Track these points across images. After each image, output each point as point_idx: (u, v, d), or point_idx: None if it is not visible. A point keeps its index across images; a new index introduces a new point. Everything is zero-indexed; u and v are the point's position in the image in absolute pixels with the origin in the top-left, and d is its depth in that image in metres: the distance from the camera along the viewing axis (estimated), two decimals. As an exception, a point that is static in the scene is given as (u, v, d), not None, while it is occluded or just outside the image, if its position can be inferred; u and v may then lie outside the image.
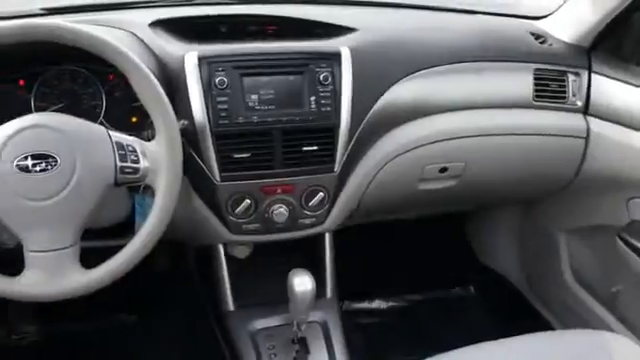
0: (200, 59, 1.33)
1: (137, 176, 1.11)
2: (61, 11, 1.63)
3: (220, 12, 1.52)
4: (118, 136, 1.13)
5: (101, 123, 1.36)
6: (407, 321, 2.15)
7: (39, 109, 1.37)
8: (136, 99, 1.35)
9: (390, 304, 2.21)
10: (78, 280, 1.10)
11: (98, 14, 1.59)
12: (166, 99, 1.13)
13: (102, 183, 1.10)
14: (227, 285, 1.53)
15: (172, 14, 1.48)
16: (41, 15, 1.59)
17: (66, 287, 1.09)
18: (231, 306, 1.53)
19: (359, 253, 1.70)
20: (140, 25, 1.42)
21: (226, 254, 1.54)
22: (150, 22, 1.43)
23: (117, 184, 1.12)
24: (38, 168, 1.05)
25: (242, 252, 1.53)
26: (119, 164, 1.10)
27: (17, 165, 1.05)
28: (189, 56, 1.33)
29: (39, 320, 1.98)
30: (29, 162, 1.05)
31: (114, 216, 1.31)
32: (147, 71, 1.12)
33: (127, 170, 1.10)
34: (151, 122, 1.36)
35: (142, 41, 1.39)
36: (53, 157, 1.06)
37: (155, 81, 1.12)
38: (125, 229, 1.35)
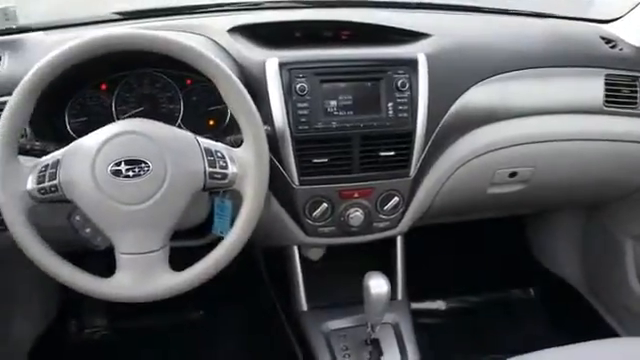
0: (281, 65, 1.35)
1: (225, 182, 1.15)
2: (136, 16, 1.68)
3: (296, 18, 1.55)
4: (206, 142, 1.16)
5: (179, 127, 1.40)
6: (467, 322, 2.15)
7: (119, 112, 1.42)
8: (213, 103, 1.44)
9: (451, 305, 2.22)
10: (168, 282, 1.14)
11: (173, 19, 1.63)
12: (254, 106, 1.16)
13: (191, 188, 1.13)
14: (301, 286, 1.56)
15: (248, 20, 1.51)
16: (116, 20, 1.63)
17: (156, 289, 1.13)
18: (305, 306, 1.56)
19: (420, 253, 1.71)
20: (219, 31, 1.45)
21: (300, 255, 1.56)
22: (229, 28, 1.46)
23: (205, 189, 1.16)
24: (131, 173, 1.09)
25: (316, 254, 1.56)
26: (208, 170, 1.13)
27: (111, 170, 1.09)
28: (270, 62, 1.36)
29: (110, 315, 2.04)
30: (123, 167, 1.09)
31: (195, 218, 1.35)
32: (236, 79, 1.15)
33: (216, 176, 1.13)
34: (229, 127, 1.44)
35: (221, 47, 1.42)
36: (146, 163, 1.10)
37: (243, 89, 1.15)
38: (201, 230, 1.39)
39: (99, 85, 1.42)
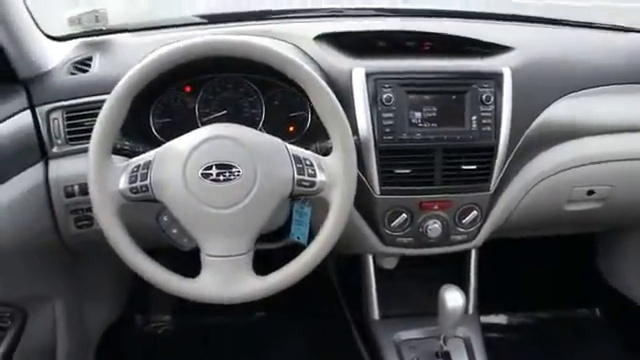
0: (367, 75, 1.36)
1: (313, 190, 1.15)
2: (218, 20, 1.70)
3: (380, 28, 1.55)
4: (295, 149, 1.17)
5: (260, 131, 1.41)
6: (532, 338, 2.12)
7: (202, 115, 1.44)
8: (294, 109, 1.45)
9: (516, 320, 2.20)
10: (253, 286, 1.15)
11: (255, 24, 1.65)
12: (344, 115, 1.16)
13: (279, 195, 1.15)
14: (374, 294, 1.56)
15: (334, 28, 1.51)
16: (200, 24, 1.66)
17: (242, 292, 1.15)
18: (376, 315, 1.56)
19: (487, 266, 1.70)
20: (305, 38, 1.47)
21: (374, 264, 1.57)
22: (315, 36, 1.47)
23: (292, 196, 1.17)
24: (222, 177, 1.11)
25: (390, 263, 1.56)
26: (297, 177, 1.14)
27: (202, 173, 1.11)
28: (357, 71, 1.37)
29: (176, 311, 2.08)
30: (213, 171, 1.11)
31: (274, 223, 1.36)
32: (328, 89, 1.15)
33: (304, 183, 1.14)
34: (309, 134, 1.45)
35: (307, 54, 1.43)
36: (236, 167, 1.11)
37: (334, 98, 1.15)
38: (278, 234, 1.41)
39: (183, 87, 1.44)
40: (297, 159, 1.15)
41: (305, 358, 1.83)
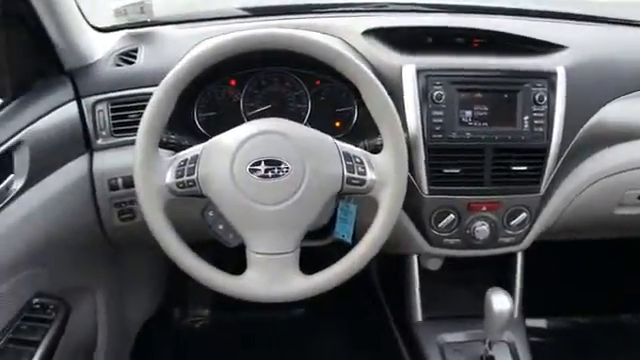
0: (418, 71, 1.33)
1: (362, 188, 1.13)
2: (262, 13, 1.68)
3: (430, 24, 1.52)
4: (345, 146, 1.15)
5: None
6: (575, 344, 2.08)
7: (247, 109, 1.42)
8: (340, 105, 1.42)
9: (558, 325, 2.15)
10: (299, 285, 1.13)
11: (299, 18, 1.62)
12: (396, 112, 1.13)
13: (328, 192, 1.12)
14: (417, 296, 1.54)
15: (382, 23, 1.48)
16: (243, 17, 1.64)
17: (288, 291, 1.13)
18: (420, 317, 1.54)
19: (531, 270, 1.66)
20: (353, 33, 1.44)
21: (419, 265, 1.54)
22: (363, 30, 1.44)
23: (341, 194, 1.14)
24: (270, 174, 1.08)
25: (435, 264, 1.53)
26: (346, 174, 1.11)
27: (250, 169, 1.08)
28: (407, 68, 1.34)
29: (213, 306, 2.07)
30: (262, 167, 1.08)
31: (320, 221, 1.33)
32: (379, 84, 1.12)
33: (353, 181, 1.12)
34: (356, 130, 1.42)
35: (355, 49, 1.40)
36: (285, 164, 1.09)
37: (386, 94, 1.13)
38: (322, 233, 1.39)
39: (228, 81, 1.42)
40: (347, 156, 1.12)
41: (344, 357, 1.80)
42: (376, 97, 1.12)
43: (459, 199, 1.37)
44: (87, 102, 1.34)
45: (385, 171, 1.13)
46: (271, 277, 1.12)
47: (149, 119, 1.11)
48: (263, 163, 1.09)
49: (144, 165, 1.11)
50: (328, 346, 1.88)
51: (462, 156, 1.34)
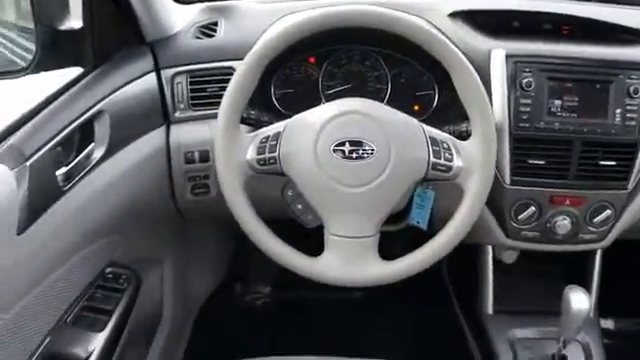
0: (507, 57, 1.28)
1: (448, 175, 1.09)
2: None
3: (521, 8, 1.45)
4: (432, 131, 1.11)
5: None
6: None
7: (325, 88, 1.39)
8: (421, 88, 1.38)
9: (634, 327, 2.07)
10: (378, 271, 1.11)
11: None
12: (487, 100, 1.09)
13: (413, 177, 1.09)
14: (490, 288, 1.49)
15: (468, 5, 1.43)
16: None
17: (366, 276, 1.11)
18: (490, 309, 1.50)
19: (607, 268, 1.59)
20: (439, 14, 1.39)
21: (493, 256, 1.50)
22: (450, 12, 1.40)
23: (425, 180, 1.11)
24: (354, 155, 1.06)
25: (510, 257, 1.49)
26: (432, 160, 1.08)
27: (333, 149, 1.06)
28: (496, 53, 1.29)
29: (274, 284, 2.07)
30: (346, 148, 1.06)
31: (398, 206, 1.30)
32: (471, 68, 1.09)
33: (439, 167, 1.08)
34: (435, 115, 1.38)
35: (441, 31, 1.36)
36: (369, 145, 1.06)
37: (478, 79, 1.09)
38: (397, 217, 1.34)
39: (308, 58, 1.40)
40: (433, 141, 1.09)
41: (406, 344, 1.77)
42: (468, 81, 1.08)
43: (541, 191, 1.32)
44: (166, 74, 1.33)
45: (473, 158, 1.09)
46: (349, 261, 1.10)
47: (233, 93, 1.10)
48: (347, 144, 1.06)
49: (226, 139, 1.10)
50: (390, 332, 1.85)
51: (548, 147, 1.29)
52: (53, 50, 1.19)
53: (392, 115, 1.10)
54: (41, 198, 1.03)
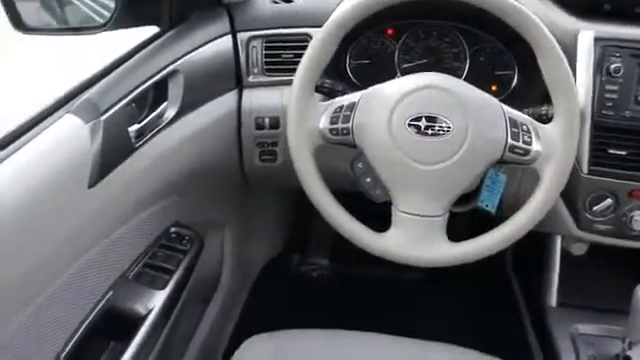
0: (596, 40, 1.22)
1: (525, 158, 1.05)
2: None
3: None
4: (512, 112, 1.07)
5: None
6: None
7: (401, 61, 1.36)
8: (500, 67, 1.34)
9: None
10: (445, 251, 1.08)
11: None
12: (574, 84, 1.04)
13: (489, 158, 1.05)
14: (555, 279, 1.45)
15: None
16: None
17: (432, 255, 1.08)
18: (554, 302, 1.45)
19: None
20: None
21: (561, 247, 1.45)
22: None
23: (501, 162, 1.07)
24: (430, 131, 1.03)
25: (579, 249, 1.43)
26: (510, 142, 1.04)
27: (409, 124, 1.03)
28: (584, 34, 1.23)
29: (333, 257, 2.06)
30: (422, 123, 1.03)
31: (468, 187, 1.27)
32: (561, 52, 1.03)
33: (517, 150, 1.04)
34: (512, 96, 1.33)
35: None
36: (446, 122, 1.03)
37: (567, 64, 1.04)
38: (465, 199, 1.31)
39: (386, 29, 1.37)
40: (513, 122, 1.05)
41: (462, 330, 1.74)
42: (556, 64, 1.03)
43: (620, 184, 1.25)
44: (242, 37, 1.33)
45: (553, 143, 1.04)
46: (416, 239, 1.08)
47: (309, 60, 1.08)
48: (424, 119, 1.03)
49: (299, 107, 1.09)
50: (446, 315, 1.81)
51: (632, 138, 1.22)
52: (131, 8, 1.19)
53: (472, 92, 1.07)
54: (113, 153, 1.04)
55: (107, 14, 1.19)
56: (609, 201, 1.27)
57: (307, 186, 1.11)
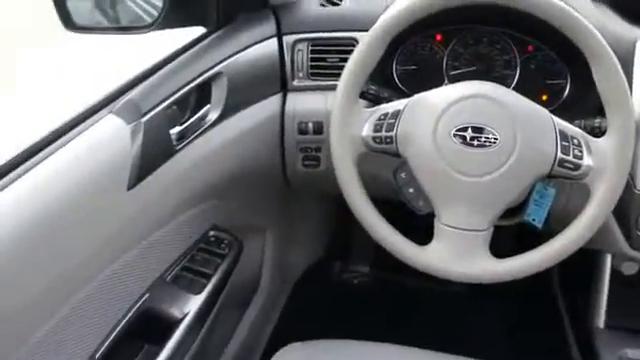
0: None
1: (576, 173, 1.00)
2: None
3: None
4: (562, 124, 1.02)
5: None
6: None
7: (449, 68, 1.33)
8: (551, 76, 1.30)
9: None
10: (488, 267, 1.04)
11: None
12: (630, 96, 0.99)
13: (536, 171, 1.01)
14: (604, 299, 1.38)
15: None
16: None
17: (474, 271, 1.04)
18: (602, 323, 1.39)
19: None
20: None
21: (611, 266, 1.39)
22: None
23: (550, 176, 1.03)
24: (476, 142, 0.99)
25: (631, 268, 1.36)
26: (559, 155, 0.99)
27: (454, 134, 1.00)
28: None
29: (374, 265, 2.03)
30: (468, 134, 1.00)
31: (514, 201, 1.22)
32: (615, 58, 0.99)
33: (567, 165, 1.00)
34: (564, 106, 1.28)
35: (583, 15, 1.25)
36: (494, 133, 0.99)
37: (622, 74, 0.99)
38: (511, 212, 1.27)
39: (434, 35, 1.33)
40: (563, 135, 1.00)
41: (504, 349, 1.69)
42: (609, 72, 0.98)
43: None
44: (288, 40, 1.31)
45: (605, 158, 1.00)
46: (458, 254, 1.04)
47: (354, 65, 1.06)
48: (470, 129, 1.00)
49: (343, 112, 1.07)
50: (489, 332, 1.76)
51: None
52: (179, 8, 1.18)
53: (521, 103, 1.03)
54: (153, 155, 1.04)
55: (156, 13, 1.19)
56: None
57: (348, 195, 1.09)
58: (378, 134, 1.05)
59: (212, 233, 1.28)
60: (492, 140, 0.99)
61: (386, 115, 1.06)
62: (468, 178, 1.00)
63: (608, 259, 1.39)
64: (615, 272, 1.39)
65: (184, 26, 1.25)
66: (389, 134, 1.04)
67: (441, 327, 1.78)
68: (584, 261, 1.42)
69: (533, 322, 1.81)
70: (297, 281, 1.90)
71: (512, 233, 1.47)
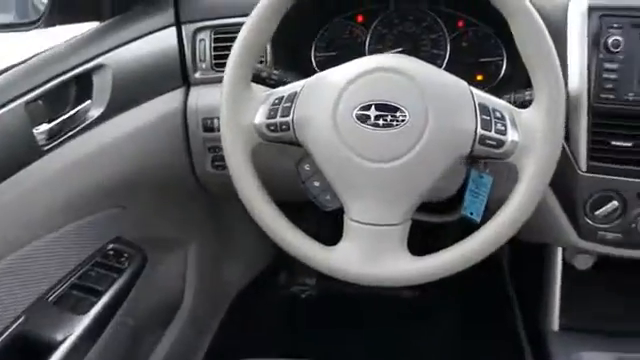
0: (590, 9, 1.04)
1: (499, 151, 0.87)
2: None
3: None
4: (482, 96, 0.89)
5: None
6: None
7: (373, 51, 1.24)
8: (485, 54, 1.21)
9: None
10: (405, 267, 0.91)
11: None
12: (555, 57, 0.86)
13: (454, 152, 0.88)
14: (557, 299, 1.29)
15: None
16: None
17: (388, 272, 0.91)
18: (555, 325, 1.29)
19: None
20: None
21: (563, 261, 1.28)
22: None
23: (470, 156, 0.89)
24: (381, 122, 0.86)
25: (584, 262, 1.25)
26: (480, 132, 0.86)
27: (357, 115, 0.87)
28: (575, 4, 1.06)
29: (322, 276, 1.91)
30: (372, 113, 0.86)
31: (442, 191, 1.10)
32: (537, 17, 0.86)
33: (489, 142, 0.86)
34: (502, 85, 1.20)
35: None
36: (401, 110, 0.86)
37: (548, 35, 0.86)
38: (446, 207, 1.16)
39: (355, 16, 1.25)
40: (484, 109, 0.87)
41: (457, 353, 1.57)
42: (531, 32, 0.86)
43: (627, 182, 1.07)
44: (188, 29, 1.22)
45: (533, 131, 0.86)
46: (368, 253, 0.90)
47: (242, 43, 0.93)
48: (373, 107, 0.86)
49: (231, 97, 0.94)
50: (441, 339, 1.65)
51: (638, 126, 1.04)
52: (67, 1, 1.09)
53: (433, 75, 0.90)
54: (10, 157, 0.92)
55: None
56: (614, 203, 1.08)
57: (241, 191, 0.96)
58: (273, 120, 0.92)
59: (111, 246, 1.17)
60: (400, 119, 0.86)
61: (281, 99, 0.93)
62: (374, 164, 0.87)
63: (559, 253, 1.29)
64: (568, 267, 1.28)
65: (76, 22, 1.15)
66: (285, 119, 0.91)
67: (393, 336, 1.67)
68: (534, 256, 1.32)
69: (486, 326, 1.71)
70: (233, 300, 1.78)
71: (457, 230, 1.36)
